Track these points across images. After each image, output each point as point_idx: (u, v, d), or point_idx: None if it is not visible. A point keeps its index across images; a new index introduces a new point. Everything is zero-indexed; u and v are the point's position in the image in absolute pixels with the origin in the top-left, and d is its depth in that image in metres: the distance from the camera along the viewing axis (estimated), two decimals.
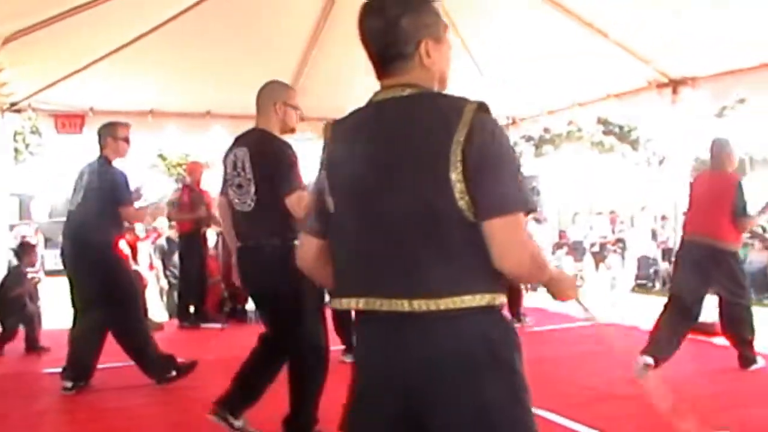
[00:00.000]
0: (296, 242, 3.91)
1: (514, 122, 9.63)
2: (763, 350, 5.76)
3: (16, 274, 7.32)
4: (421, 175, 1.72)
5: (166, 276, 10.41)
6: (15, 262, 7.77)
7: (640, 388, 5.15)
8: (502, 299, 1.77)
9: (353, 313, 1.89)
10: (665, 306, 5.73)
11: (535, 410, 1.83)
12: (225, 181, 4.00)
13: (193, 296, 8.65)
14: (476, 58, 7.31)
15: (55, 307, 8.06)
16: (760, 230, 12.61)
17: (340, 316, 5.81)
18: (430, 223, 1.71)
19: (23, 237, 14.28)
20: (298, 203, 3.71)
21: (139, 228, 11.33)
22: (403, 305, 1.72)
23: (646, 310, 7.69)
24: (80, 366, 5.27)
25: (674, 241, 8.47)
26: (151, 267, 10.66)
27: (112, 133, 5.41)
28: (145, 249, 10.83)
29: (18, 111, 7.71)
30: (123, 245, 5.53)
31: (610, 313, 8.74)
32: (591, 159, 25.08)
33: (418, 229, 1.72)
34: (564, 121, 9.05)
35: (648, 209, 18.28)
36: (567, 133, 23.42)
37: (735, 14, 5.43)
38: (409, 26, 1.80)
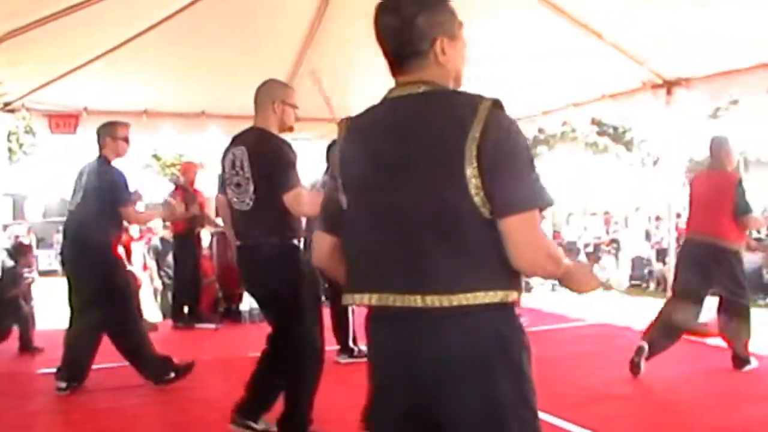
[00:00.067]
0: (295, 241, 3.95)
1: None
2: (756, 351, 5.78)
3: (11, 275, 7.30)
4: (435, 171, 1.73)
5: (160, 276, 10.41)
6: (9, 262, 7.75)
7: (634, 388, 5.18)
8: (514, 296, 1.77)
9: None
10: (666, 303, 5.76)
11: None
12: (224, 180, 3.99)
13: (187, 296, 8.63)
14: (470, 58, 7.29)
15: (49, 308, 8.05)
16: (755, 232, 12.64)
17: (338, 317, 5.83)
18: (443, 219, 1.72)
19: (17, 237, 14.24)
20: (296, 201, 3.71)
21: (133, 228, 11.30)
22: (416, 300, 1.73)
23: (640, 311, 7.72)
24: (75, 366, 5.26)
25: (668, 242, 8.50)
26: (145, 267, 10.65)
27: (111, 133, 5.39)
28: (139, 249, 10.82)
29: (12, 111, 7.67)
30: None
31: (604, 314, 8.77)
32: (585, 160, 25.16)
33: (431, 225, 1.73)
34: (558, 121, 9.04)
35: (642, 210, 18.37)
36: (561, 133, 23.49)
37: (729, 15, 5.43)
38: (425, 24, 1.81)
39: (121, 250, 5.81)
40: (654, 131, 21.71)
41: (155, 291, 10.64)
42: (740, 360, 5.67)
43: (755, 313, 5.81)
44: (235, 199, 3.88)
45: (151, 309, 9.97)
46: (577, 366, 5.98)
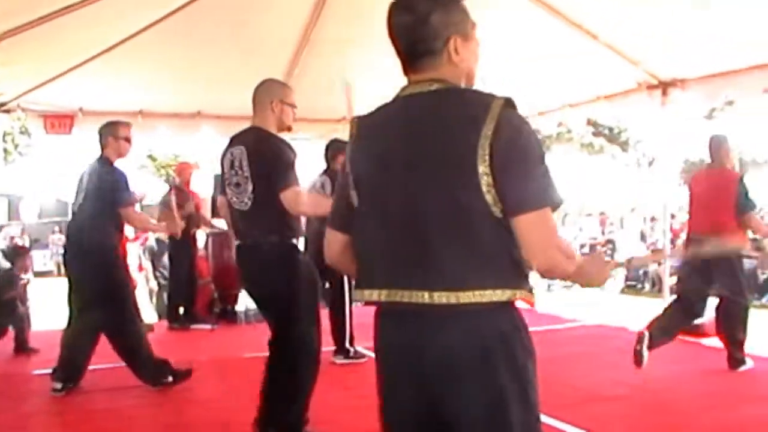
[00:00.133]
0: (294, 241, 3.95)
1: None
2: (752, 351, 5.79)
3: (8, 277, 7.28)
4: (447, 169, 1.74)
5: (155, 277, 10.38)
6: (4, 264, 7.73)
7: (630, 389, 5.19)
8: (522, 295, 1.77)
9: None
10: (671, 303, 5.80)
11: None
12: (223, 180, 3.99)
13: (182, 297, 8.61)
14: None
15: (44, 308, 8.04)
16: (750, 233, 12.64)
17: (336, 317, 5.77)
18: (454, 217, 1.73)
19: (12, 238, 14.21)
20: (293, 200, 3.71)
21: (128, 229, 11.28)
22: (424, 297, 1.73)
23: (635, 312, 7.73)
24: (72, 367, 5.24)
25: (663, 243, 8.51)
26: (141, 268, 10.62)
27: (113, 133, 5.36)
28: (134, 250, 10.79)
29: (7, 111, 7.66)
30: None
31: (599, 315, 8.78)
32: (581, 160, 25.21)
33: (442, 223, 1.73)
34: (554, 122, 9.06)
35: (637, 211, 18.41)
36: (557, 134, 23.56)
37: (724, 16, 5.45)
38: (439, 23, 1.81)
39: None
40: (649, 132, 21.77)
41: (151, 292, 10.61)
42: (736, 360, 5.67)
43: (750, 313, 5.82)
44: (234, 199, 3.88)
45: (146, 310, 9.95)
46: (572, 366, 5.98)
